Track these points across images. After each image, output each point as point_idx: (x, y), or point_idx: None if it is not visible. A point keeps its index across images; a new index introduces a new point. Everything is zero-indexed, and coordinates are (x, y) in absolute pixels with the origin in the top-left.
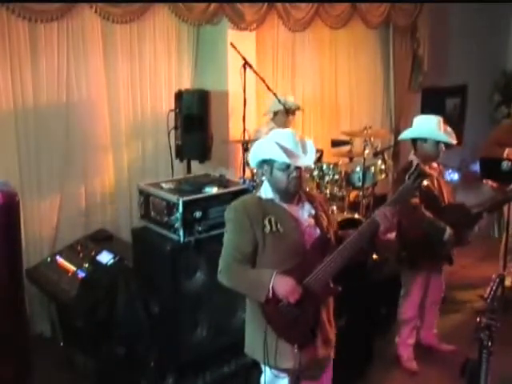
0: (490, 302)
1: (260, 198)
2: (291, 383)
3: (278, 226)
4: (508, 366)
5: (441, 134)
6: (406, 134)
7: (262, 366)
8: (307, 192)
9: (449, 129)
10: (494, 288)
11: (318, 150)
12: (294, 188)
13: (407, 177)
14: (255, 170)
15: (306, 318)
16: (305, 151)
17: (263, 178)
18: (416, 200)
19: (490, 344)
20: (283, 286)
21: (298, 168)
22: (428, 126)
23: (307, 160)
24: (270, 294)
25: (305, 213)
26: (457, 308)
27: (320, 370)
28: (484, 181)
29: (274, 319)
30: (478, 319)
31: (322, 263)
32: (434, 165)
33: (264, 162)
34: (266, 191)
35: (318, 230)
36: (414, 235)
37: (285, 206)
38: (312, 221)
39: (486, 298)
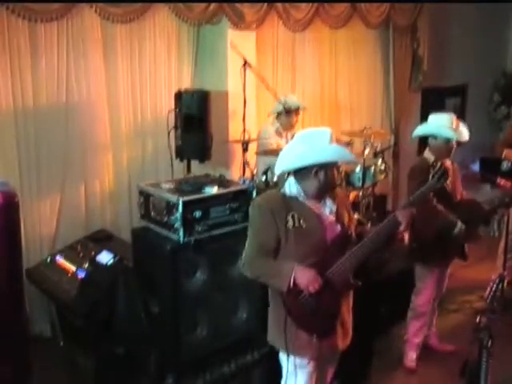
0: (489, 302)
1: (284, 195)
2: (311, 373)
3: (301, 222)
4: (508, 365)
5: (449, 131)
6: (418, 131)
7: (282, 357)
8: None
9: (462, 126)
10: (493, 288)
11: None
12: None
13: (431, 176)
14: (256, 170)
15: (325, 309)
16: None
17: (262, 179)
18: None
19: (489, 344)
20: (305, 275)
21: None
22: (438, 123)
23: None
24: (291, 284)
25: (326, 209)
26: (457, 308)
27: (335, 361)
28: (498, 179)
29: (294, 309)
30: (477, 319)
31: (342, 258)
32: (448, 162)
33: (314, 166)
34: (290, 188)
35: (338, 226)
36: (426, 229)
37: (308, 202)
38: (333, 217)
39: (485, 298)
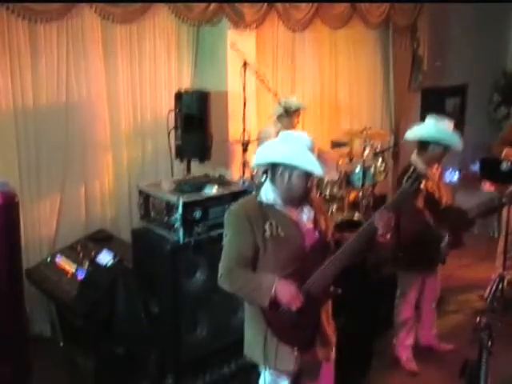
0: (489, 301)
1: (260, 202)
2: None
3: (279, 230)
4: (508, 365)
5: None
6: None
7: (261, 368)
8: None
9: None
10: (493, 288)
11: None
12: (307, 196)
13: (404, 180)
14: (256, 170)
15: (306, 321)
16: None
17: (262, 179)
18: (420, 203)
19: (489, 344)
20: (286, 292)
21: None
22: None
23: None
24: (273, 299)
25: (304, 216)
26: (457, 308)
27: (318, 371)
28: (483, 183)
29: (275, 323)
30: (477, 319)
31: (321, 266)
32: (435, 166)
33: (279, 165)
34: (267, 194)
35: (316, 233)
36: (412, 238)
37: (285, 210)
38: (311, 224)
39: (485, 297)
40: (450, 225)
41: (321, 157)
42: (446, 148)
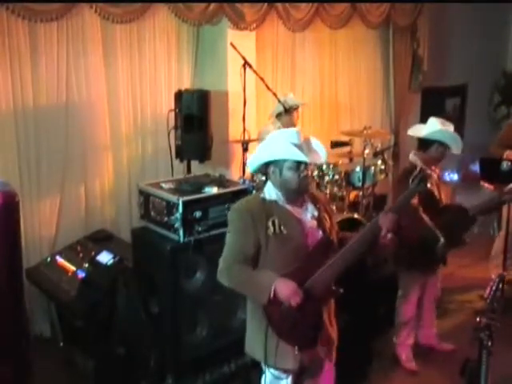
0: (489, 301)
1: (264, 199)
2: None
3: (282, 227)
4: (508, 365)
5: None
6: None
7: (263, 366)
8: (311, 193)
9: None
10: (493, 288)
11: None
12: (305, 187)
13: (411, 180)
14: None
15: (307, 320)
16: (310, 149)
17: (263, 178)
18: (415, 201)
19: (489, 344)
20: (285, 289)
21: (306, 167)
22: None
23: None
24: (272, 296)
25: (308, 214)
26: (457, 308)
27: (320, 369)
28: (481, 183)
29: (275, 321)
30: (477, 319)
31: (323, 265)
32: (434, 168)
33: (270, 163)
34: (269, 192)
35: (320, 232)
36: (412, 236)
37: (288, 207)
38: (315, 222)
39: (485, 297)
40: (449, 223)
41: (307, 144)
42: (446, 149)
